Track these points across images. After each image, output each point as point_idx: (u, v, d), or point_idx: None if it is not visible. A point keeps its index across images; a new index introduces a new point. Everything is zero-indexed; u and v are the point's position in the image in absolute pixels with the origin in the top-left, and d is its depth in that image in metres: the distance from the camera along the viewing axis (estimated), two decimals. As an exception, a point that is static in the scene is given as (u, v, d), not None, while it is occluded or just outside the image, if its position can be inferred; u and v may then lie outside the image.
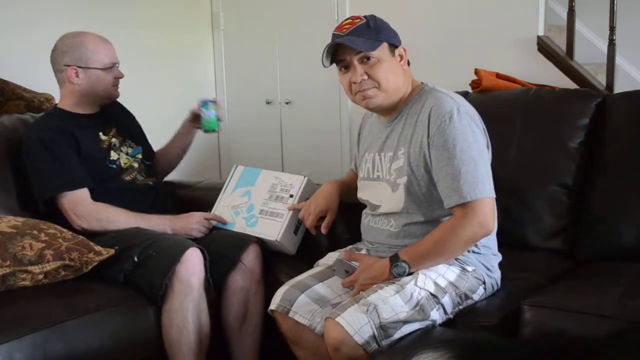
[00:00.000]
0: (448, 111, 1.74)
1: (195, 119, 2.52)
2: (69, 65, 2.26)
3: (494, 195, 1.74)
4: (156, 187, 2.42)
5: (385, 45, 1.81)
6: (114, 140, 2.36)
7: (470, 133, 1.74)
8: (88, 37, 2.29)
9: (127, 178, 2.34)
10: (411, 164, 1.80)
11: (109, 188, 2.27)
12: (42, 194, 2.22)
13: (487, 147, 1.83)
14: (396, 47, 1.84)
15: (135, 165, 2.38)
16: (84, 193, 2.21)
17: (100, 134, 2.34)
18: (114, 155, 2.33)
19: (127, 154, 2.37)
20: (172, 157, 2.63)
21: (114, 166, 2.32)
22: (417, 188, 1.80)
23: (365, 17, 1.83)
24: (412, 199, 1.81)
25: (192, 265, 2.00)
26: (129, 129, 2.45)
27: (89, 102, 2.33)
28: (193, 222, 2.24)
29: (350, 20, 1.83)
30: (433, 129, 1.74)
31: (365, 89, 1.82)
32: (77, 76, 2.27)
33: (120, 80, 2.34)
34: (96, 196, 2.22)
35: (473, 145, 1.72)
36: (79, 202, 2.19)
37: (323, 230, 2.11)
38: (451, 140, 1.71)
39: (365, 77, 1.81)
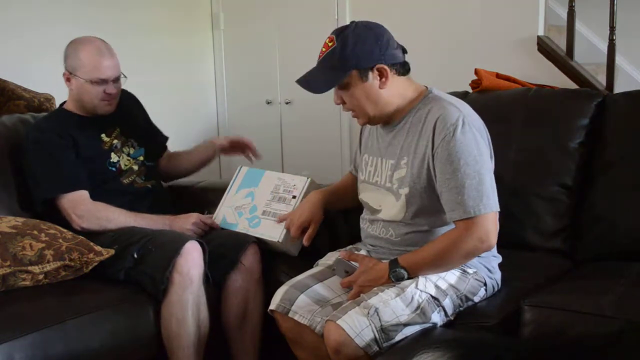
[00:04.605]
0: (453, 122, 1.70)
1: (226, 150, 2.58)
2: (66, 70, 2.28)
3: (498, 209, 1.72)
4: (155, 190, 2.42)
5: (353, 73, 1.75)
6: (115, 141, 2.36)
7: (476, 146, 1.71)
8: (86, 47, 2.25)
9: (126, 181, 2.34)
10: (414, 175, 1.78)
11: (107, 190, 2.28)
12: (39, 195, 2.22)
13: (491, 157, 1.80)
14: (370, 68, 1.75)
15: (135, 167, 2.38)
16: (83, 194, 2.21)
17: (103, 135, 2.34)
18: (114, 157, 2.33)
19: (128, 155, 2.37)
20: (189, 164, 2.63)
21: (114, 169, 2.32)
22: (419, 199, 1.78)
23: (338, 37, 1.74)
24: (413, 209, 1.80)
25: (192, 258, 2.01)
26: (133, 128, 2.44)
27: (84, 107, 2.34)
28: (190, 223, 2.24)
29: (326, 43, 1.77)
30: (438, 140, 1.71)
31: (349, 111, 1.84)
32: (69, 81, 2.29)
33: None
34: (94, 198, 2.23)
35: (478, 159, 1.70)
36: (79, 203, 2.19)
37: (305, 243, 2.06)
38: (455, 153, 1.68)
39: (340, 102, 1.82)
